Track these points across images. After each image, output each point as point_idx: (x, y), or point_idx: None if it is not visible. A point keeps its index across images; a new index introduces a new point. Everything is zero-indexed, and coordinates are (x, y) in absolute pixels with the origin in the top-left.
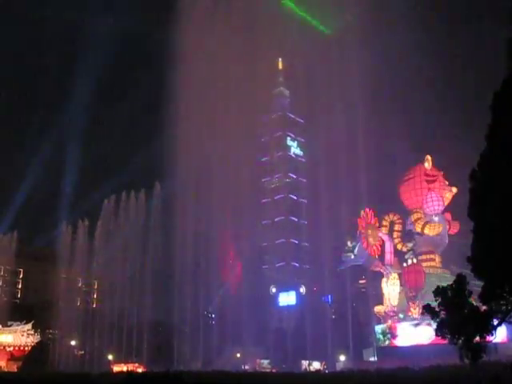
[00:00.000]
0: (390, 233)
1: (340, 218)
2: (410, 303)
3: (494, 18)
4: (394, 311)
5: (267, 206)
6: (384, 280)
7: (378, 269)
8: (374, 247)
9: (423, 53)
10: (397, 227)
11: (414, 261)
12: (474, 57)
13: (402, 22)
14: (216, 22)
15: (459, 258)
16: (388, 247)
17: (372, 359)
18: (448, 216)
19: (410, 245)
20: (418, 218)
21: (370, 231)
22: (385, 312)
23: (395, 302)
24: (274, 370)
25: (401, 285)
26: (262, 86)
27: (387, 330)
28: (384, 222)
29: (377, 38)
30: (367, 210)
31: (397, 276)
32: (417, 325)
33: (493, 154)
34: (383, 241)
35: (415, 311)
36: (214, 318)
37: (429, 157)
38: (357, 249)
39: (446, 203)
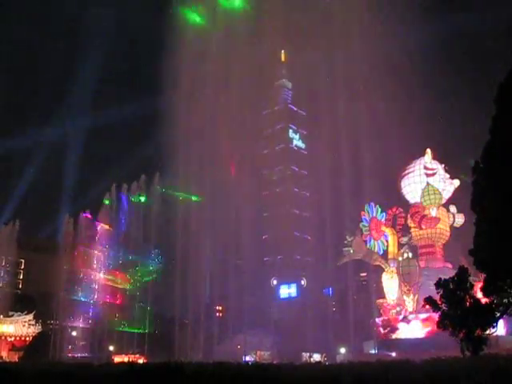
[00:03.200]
0: (394, 226)
1: (342, 210)
2: (405, 297)
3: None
4: (392, 305)
5: (269, 198)
6: (384, 274)
7: (377, 263)
8: (379, 241)
9: (426, 45)
10: (400, 221)
11: (410, 255)
12: (477, 47)
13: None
14: (218, 16)
15: (464, 251)
16: (391, 241)
17: (372, 352)
18: (453, 208)
19: (405, 239)
20: (416, 212)
21: (373, 225)
22: (384, 305)
23: (394, 295)
24: (274, 362)
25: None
26: (265, 79)
27: (387, 323)
28: (387, 216)
29: (380, 34)
30: (373, 203)
31: (395, 270)
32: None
33: (496, 146)
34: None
35: (410, 305)
36: (215, 309)
37: (429, 150)
38: (354, 243)
39: (447, 196)
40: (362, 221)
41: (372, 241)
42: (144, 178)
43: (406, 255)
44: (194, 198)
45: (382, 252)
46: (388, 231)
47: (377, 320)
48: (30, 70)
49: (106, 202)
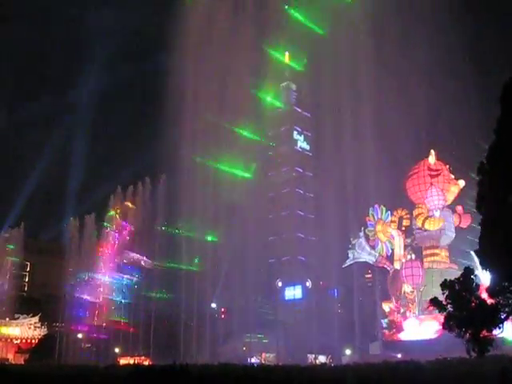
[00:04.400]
0: (400, 228)
1: (347, 211)
2: (409, 299)
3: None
4: (397, 306)
5: (274, 200)
6: (389, 276)
7: (381, 265)
8: (386, 242)
9: (428, 47)
10: (405, 222)
11: (413, 256)
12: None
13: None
14: (222, 16)
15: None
16: (398, 242)
17: (378, 353)
18: (459, 209)
19: (408, 240)
20: (419, 214)
21: (380, 227)
22: (391, 308)
23: (399, 297)
24: (279, 363)
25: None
26: (269, 81)
27: (393, 324)
28: (393, 218)
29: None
30: (377, 205)
31: (400, 272)
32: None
33: (501, 147)
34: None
35: (413, 306)
36: (220, 311)
37: (432, 151)
38: (357, 246)
39: (452, 197)
40: (367, 226)
41: (380, 244)
42: (148, 180)
43: (409, 256)
44: None
45: (390, 252)
46: (394, 233)
47: (382, 321)
48: (30, 70)
49: (111, 213)
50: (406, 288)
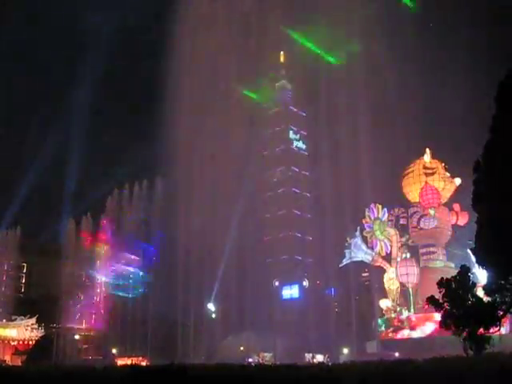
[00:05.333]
0: (396, 227)
1: (343, 210)
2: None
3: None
4: (394, 305)
5: (270, 199)
6: (386, 274)
7: (378, 264)
8: (385, 241)
9: (424, 44)
10: (402, 221)
11: (408, 255)
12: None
13: None
14: (217, 16)
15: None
16: (395, 241)
17: (375, 352)
18: (456, 207)
19: (403, 239)
20: (415, 212)
21: (377, 226)
22: (387, 307)
23: (396, 296)
24: (277, 363)
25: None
26: (265, 80)
27: (390, 322)
28: (390, 217)
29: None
30: (373, 204)
31: (395, 270)
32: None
33: (497, 145)
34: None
35: (409, 305)
36: (217, 311)
37: (428, 149)
38: (353, 245)
39: (447, 195)
40: (364, 228)
41: (378, 244)
42: (146, 183)
43: (404, 255)
44: None
45: (389, 250)
46: (392, 231)
47: (379, 320)
48: (28, 72)
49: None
50: (402, 287)
